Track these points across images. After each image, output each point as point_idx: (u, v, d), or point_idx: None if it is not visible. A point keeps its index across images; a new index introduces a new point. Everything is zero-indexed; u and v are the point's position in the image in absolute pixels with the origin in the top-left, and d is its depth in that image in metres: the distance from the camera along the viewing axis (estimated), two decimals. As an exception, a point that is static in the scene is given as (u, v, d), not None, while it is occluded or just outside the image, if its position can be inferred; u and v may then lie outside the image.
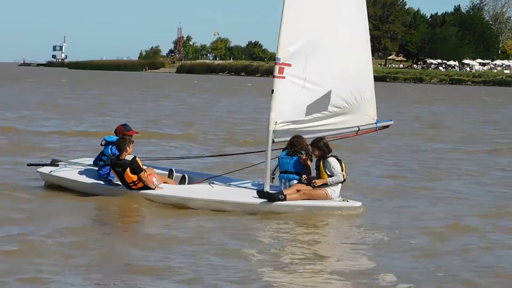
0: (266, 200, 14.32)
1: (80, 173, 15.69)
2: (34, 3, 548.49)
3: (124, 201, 14.68)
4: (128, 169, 14.51)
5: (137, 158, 14.70)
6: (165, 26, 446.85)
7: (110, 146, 15.36)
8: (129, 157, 14.61)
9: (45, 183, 16.05)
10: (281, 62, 14.62)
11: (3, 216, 13.19)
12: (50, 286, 9.44)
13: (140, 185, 14.64)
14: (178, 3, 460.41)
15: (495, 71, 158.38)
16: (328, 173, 14.56)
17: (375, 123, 15.56)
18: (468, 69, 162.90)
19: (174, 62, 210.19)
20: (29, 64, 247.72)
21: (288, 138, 15.01)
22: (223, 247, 11.64)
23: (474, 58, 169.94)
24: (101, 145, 15.63)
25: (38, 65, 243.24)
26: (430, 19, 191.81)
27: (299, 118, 14.82)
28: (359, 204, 14.73)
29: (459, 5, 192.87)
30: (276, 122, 14.61)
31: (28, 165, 16.51)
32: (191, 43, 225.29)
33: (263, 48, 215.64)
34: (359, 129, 15.46)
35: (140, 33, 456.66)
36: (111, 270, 10.22)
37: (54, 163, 16.07)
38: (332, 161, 14.63)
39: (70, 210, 14.18)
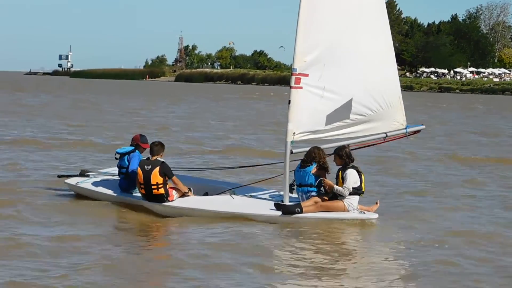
0: (282, 213, 14.15)
1: (105, 184, 15.73)
2: (43, 13, 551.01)
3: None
4: (157, 168, 14.41)
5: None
6: (173, 35, 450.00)
7: (126, 157, 15.43)
8: (161, 159, 14.62)
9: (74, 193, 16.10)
10: (297, 72, 14.41)
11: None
12: None
13: (161, 191, 14.49)
14: (182, 12, 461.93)
15: (485, 79, 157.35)
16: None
17: (405, 128, 15.29)
18: (459, 78, 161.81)
19: (175, 71, 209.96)
20: (35, 73, 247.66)
21: (307, 149, 14.78)
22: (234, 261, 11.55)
23: (467, 67, 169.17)
24: (116, 158, 15.66)
25: (44, 73, 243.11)
26: (426, 28, 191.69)
27: (319, 127, 14.57)
28: (375, 216, 14.49)
29: (456, 14, 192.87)
30: (294, 133, 14.41)
31: (59, 176, 16.63)
32: (196, 52, 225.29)
33: (268, 57, 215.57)
34: (386, 135, 15.16)
35: (148, 43, 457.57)
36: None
37: (83, 174, 16.16)
38: (350, 172, 14.30)
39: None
